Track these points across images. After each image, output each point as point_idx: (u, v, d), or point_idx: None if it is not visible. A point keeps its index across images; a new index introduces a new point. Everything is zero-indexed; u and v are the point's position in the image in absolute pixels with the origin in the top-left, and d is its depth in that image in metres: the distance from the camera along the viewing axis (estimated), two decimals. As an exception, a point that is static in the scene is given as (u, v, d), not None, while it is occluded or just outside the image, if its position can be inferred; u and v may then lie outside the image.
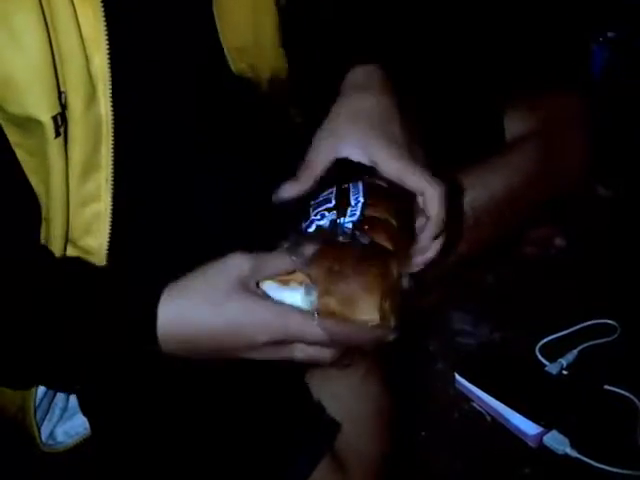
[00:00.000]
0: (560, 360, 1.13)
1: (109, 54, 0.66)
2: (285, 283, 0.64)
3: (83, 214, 0.71)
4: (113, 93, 0.67)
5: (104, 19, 0.66)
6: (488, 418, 1.10)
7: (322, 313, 0.62)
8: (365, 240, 0.65)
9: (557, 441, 1.03)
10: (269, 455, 0.74)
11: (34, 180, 0.69)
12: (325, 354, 0.65)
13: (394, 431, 0.90)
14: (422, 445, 1.08)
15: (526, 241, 1.20)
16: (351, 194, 0.70)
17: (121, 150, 0.70)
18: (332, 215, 0.69)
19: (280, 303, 0.63)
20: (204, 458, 0.74)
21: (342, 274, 0.62)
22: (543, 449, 1.04)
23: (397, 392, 0.91)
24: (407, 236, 0.70)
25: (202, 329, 0.64)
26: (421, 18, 1.05)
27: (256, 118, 0.83)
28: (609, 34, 1.36)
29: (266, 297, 0.64)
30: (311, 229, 0.69)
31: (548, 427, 1.04)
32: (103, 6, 0.65)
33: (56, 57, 0.64)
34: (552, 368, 1.13)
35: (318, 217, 0.69)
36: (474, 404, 1.11)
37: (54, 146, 0.66)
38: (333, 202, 0.70)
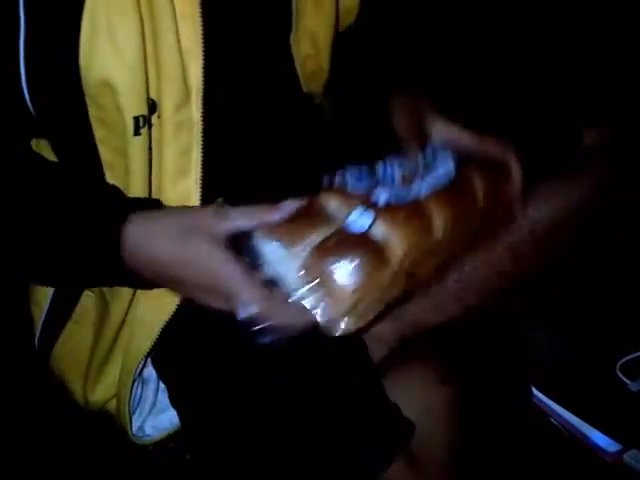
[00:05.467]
0: (642, 379, 1.12)
1: (204, 64, 0.72)
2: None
3: None
4: (204, 99, 0.73)
5: (202, 34, 0.72)
6: (565, 433, 1.09)
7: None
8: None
9: (638, 460, 1.02)
10: (346, 450, 0.76)
11: (112, 175, 0.75)
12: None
13: (468, 439, 0.91)
14: (496, 458, 1.08)
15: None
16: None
17: (210, 155, 0.75)
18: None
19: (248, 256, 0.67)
20: (286, 450, 0.77)
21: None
22: (622, 467, 1.03)
23: (473, 401, 0.91)
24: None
25: (159, 257, 0.69)
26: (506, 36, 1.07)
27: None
28: None
29: (224, 248, 0.67)
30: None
31: (629, 445, 1.03)
32: (202, 22, 0.72)
33: (151, 67, 0.71)
34: (633, 386, 1.11)
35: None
36: (551, 419, 1.10)
37: (133, 144, 0.72)
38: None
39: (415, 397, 0.83)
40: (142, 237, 0.69)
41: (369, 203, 0.69)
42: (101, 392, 0.85)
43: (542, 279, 1.05)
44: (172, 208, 0.74)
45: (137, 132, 0.71)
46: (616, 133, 0.97)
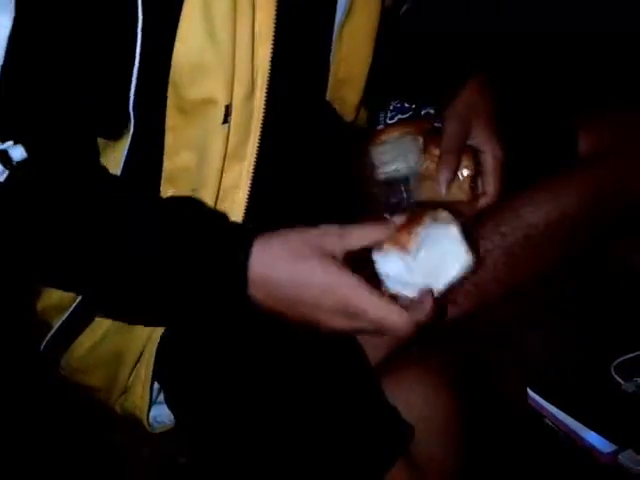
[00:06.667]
0: (636, 379, 1.12)
1: (272, 49, 0.73)
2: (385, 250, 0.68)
3: (224, 202, 0.76)
4: (267, 87, 0.73)
5: (275, 17, 0.72)
6: (561, 435, 1.09)
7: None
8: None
9: (632, 460, 1.02)
10: (345, 454, 0.76)
11: (171, 166, 0.75)
12: (396, 324, 0.67)
13: (467, 442, 0.91)
14: (491, 460, 1.08)
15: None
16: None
17: (265, 143, 0.75)
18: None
19: (366, 273, 0.67)
20: (284, 456, 0.76)
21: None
22: (618, 468, 1.03)
23: (469, 404, 0.91)
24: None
25: (279, 281, 0.67)
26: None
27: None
28: None
29: (344, 266, 0.66)
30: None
31: (623, 445, 1.03)
32: (277, 6, 0.72)
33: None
34: (628, 387, 1.12)
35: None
36: (546, 420, 1.11)
37: (217, 133, 0.71)
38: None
39: (413, 400, 0.83)
40: (265, 261, 0.66)
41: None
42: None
43: (538, 281, 1.06)
44: (284, 231, 0.69)
45: (226, 120, 0.71)
46: (615, 135, 0.97)
